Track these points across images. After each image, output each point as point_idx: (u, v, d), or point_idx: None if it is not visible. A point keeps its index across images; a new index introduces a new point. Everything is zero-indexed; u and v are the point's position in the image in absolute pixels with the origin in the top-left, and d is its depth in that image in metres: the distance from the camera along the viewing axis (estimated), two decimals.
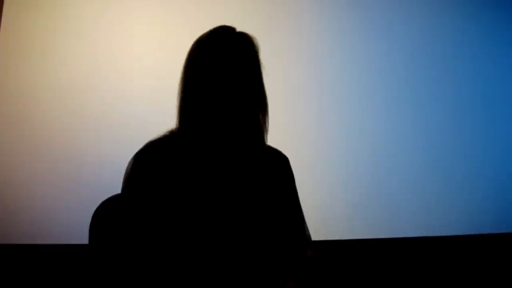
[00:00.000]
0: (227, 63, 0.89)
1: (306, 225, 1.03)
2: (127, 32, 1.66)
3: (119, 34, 1.65)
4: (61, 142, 1.55)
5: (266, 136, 0.97)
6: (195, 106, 0.90)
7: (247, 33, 0.95)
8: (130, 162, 0.91)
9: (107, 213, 0.96)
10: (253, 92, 0.91)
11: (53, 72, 1.58)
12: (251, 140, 0.94)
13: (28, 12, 1.58)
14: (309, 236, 1.02)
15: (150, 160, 0.89)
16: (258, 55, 0.94)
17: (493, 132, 2.12)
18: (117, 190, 0.95)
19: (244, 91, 0.90)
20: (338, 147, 1.85)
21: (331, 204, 1.80)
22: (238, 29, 0.97)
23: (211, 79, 0.89)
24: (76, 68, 1.60)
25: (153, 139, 0.93)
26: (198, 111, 0.90)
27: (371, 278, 1.79)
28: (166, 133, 0.93)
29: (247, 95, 0.90)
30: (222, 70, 0.89)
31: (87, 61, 1.61)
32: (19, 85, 1.55)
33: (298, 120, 1.81)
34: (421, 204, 1.92)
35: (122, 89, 1.62)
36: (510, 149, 2.14)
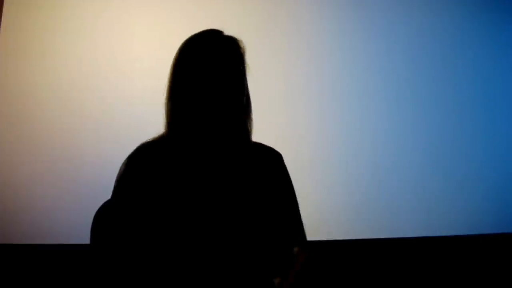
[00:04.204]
0: (212, 66, 0.90)
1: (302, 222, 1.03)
2: (127, 32, 1.66)
3: (119, 34, 1.65)
4: (61, 142, 1.55)
5: (251, 135, 0.98)
6: (184, 109, 0.91)
7: (233, 36, 0.96)
8: (122, 164, 0.91)
9: (109, 214, 0.96)
10: (237, 94, 0.92)
11: (53, 72, 1.58)
12: (238, 139, 0.95)
13: (28, 12, 1.58)
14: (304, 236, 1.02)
15: (142, 162, 0.90)
16: (243, 58, 0.94)
17: (493, 132, 2.12)
18: None
19: (228, 94, 0.91)
20: (338, 147, 1.85)
21: (331, 204, 1.80)
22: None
23: (199, 82, 0.90)
24: (76, 68, 1.60)
25: (144, 142, 0.94)
26: (186, 113, 0.91)
27: (371, 278, 1.79)
28: (156, 137, 0.94)
29: (232, 97, 0.91)
30: (208, 73, 0.90)
31: (87, 61, 1.61)
32: (19, 85, 1.55)
33: (298, 120, 1.81)
34: (421, 204, 1.92)
35: (122, 89, 1.62)
36: (510, 149, 2.14)
